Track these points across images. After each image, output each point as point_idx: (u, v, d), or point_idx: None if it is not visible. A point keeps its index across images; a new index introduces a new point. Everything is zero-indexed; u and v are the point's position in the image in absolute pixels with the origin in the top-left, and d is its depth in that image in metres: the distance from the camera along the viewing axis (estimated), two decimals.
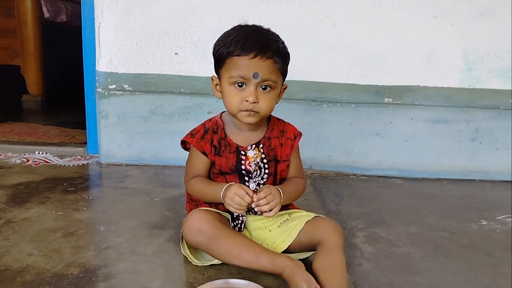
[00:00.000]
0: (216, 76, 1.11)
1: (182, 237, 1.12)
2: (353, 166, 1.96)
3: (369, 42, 1.85)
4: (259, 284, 0.99)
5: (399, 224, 1.46)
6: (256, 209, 1.04)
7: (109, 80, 1.85)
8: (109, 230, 1.31)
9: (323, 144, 1.94)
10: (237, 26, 1.08)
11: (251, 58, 1.01)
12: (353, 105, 1.90)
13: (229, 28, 1.09)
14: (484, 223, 1.51)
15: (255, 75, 1.01)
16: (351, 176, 1.95)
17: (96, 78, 1.87)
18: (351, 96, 1.89)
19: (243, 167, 1.12)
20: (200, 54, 1.83)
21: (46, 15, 3.25)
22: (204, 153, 1.12)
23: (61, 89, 3.55)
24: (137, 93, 1.87)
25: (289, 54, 1.09)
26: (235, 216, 1.15)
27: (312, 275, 1.00)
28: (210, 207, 1.15)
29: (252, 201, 1.02)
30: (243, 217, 1.15)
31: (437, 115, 1.91)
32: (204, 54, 1.82)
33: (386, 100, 1.90)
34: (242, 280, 1.01)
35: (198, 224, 1.04)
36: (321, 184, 1.83)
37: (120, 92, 1.87)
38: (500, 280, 1.13)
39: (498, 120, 1.92)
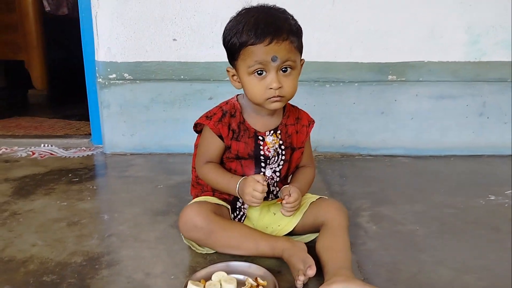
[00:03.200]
0: (231, 67, 1.07)
1: None
2: (358, 146, 1.94)
3: (370, 19, 1.81)
4: (260, 266, 0.99)
5: (405, 202, 1.44)
6: (283, 210, 1.05)
7: (109, 69, 1.85)
8: (113, 218, 1.32)
9: (327, 125, 1.91)
10: (243, 10, 1.02)
11: (267, 45, 0.96)
12: (356, 84, 1.87)
13: (235, 14, 1.03)
14: (492, 198, 1.48)
15: (273, 58, 0.97)
16: (356, 157, 1.93)
17: (96, 68, 1.86)
18: (354, 75, 1.86)
19: (261, 152, 1.10)
20: (199, 39, 1.81)
21: (47, 8, 3.25)
22: (220, 136, 1.08)
23: (67, 82, 3.56)
24: (137, 81, 1.86)
25: (301, 28, 1.04)
26: (237, 207, 1.13)
27: (316, 256, 1.00)
28: (213, 194, 1.14)
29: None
30: (245, 209, 1.13)
31: (442, 90, 1.87)
32: (202, 39, 1.81)
33: (389, 77, 1.86)
34: (243, 262, 1.01)
35: (193, 220, 1.03)
36: (326, 165, 1.81)
37: (120, 81, 1.86)
38: (507, 255, 1.11)
39: (505, 93, 1.87)
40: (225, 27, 1.03)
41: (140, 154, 1.93)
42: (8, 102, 3.41)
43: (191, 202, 1.11)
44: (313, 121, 1.20)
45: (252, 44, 0.97)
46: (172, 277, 1.00)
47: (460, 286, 0.98)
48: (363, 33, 1.82)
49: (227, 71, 1.08)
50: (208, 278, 0.96)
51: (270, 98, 1.01)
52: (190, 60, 1.83)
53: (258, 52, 0.97)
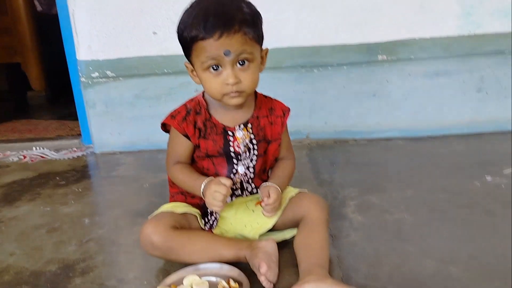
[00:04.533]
0: (188, 62, 1.02)
1: None
2: (351, 131, 1.88)
3: None
4: (234, 266, 0.96)
5: (395, 188, 1.38)
6: (264, 211, 1.02)
7: (91, 68, 1.82)
8: (93, 222, 1.30)
9: (318, 111, 1.85)
10: (195, 1, 0.96)
11: (217, 39, 0.90)
12: (345, 67, 1.80)
13: (188, 5, 0.96)
14: (489, 178, 1.40)
15: (226, 52, 0.91)
16: (350, 142, 1.87)
17: (78, 67, 1.83)
18: (342, 57, 1.79)
19: (231, 149, 1.05)
20: None
21: (39, 8, 3.23)
22: (186, 136, 1.03)
23: (65, 81, 3.55)
24: (120, 78, 1.83)
25: (258, 15, 0.97)
26: (209, 211, 1.09)
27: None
28: (186, 199, 1.10)
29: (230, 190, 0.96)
30: (217, 214, 1.08)
31: (436, 68, 1.79)
32: None
33: (380, 57, 1.79)
34: (215, 264, 0.97)
35: (150, 239, 0.97)
36: (317, 153, 1.76)
37: (103, 80, 1.83)
38: (499, 241, 1.05)
39: (503, 66, 1.77)
40: (179, 20, 0.98)
41: (130, 151, 1.91)
42: (7, 105, 3.42)
43: (153, 214, 1.06)
44: (288, 109, 1.13)
45: (202, 39, 0.91)
46: (145, 282, 0.98)
47: (444, 278, 0.92)
48: (349, 13, 1.74)
49: (186, 66, 1.02)
50: (179, 282, 0.93)
51: (228, 93, 0.96)
52: (173, 53, 1.79)
53: (209, 48, 0.91)
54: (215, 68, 0.94)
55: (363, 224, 1.17)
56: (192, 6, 0.95)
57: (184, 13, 0.96)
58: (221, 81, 0.94)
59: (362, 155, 1.71)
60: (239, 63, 0.94)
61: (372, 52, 1.77)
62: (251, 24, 0.93)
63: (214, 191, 0.94)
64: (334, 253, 1.03)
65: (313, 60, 1.79)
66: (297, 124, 1.82)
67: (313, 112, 1.84)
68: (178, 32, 0.97)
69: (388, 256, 1.01)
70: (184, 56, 1.01)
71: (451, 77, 1.80)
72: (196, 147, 1.05)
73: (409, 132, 1.86)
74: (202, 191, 0.98)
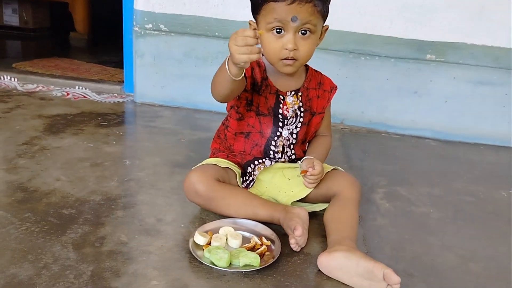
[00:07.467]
0: (253, 21, 1.07)
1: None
2: (386, 123, 1.90)
3: None
4: (267, 226, 1.01)
5: (423, 184, 1.42)
6: (305, 181, 1.07)
7: (146, 19, 1.86)
8: (134, 164, 1.36)
9: (357, 99, 1.88)
10: None
11: (289, 4, 0.96)
12: (392, 60, 1.82)
13: None
14: None
15: (293, 18, 0.96)
16: (383, 134, 1.90)
17: (134, 16, 1.88)
18: (391, 50, 1.80)
19: (280, 111, 1.11)
20: None
21: None
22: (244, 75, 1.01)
23: (108, 28, 3.60)
24: (172, 34, 1.87)
25: None
26: (247, 172, 1.14)
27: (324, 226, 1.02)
28: (227, 157, 1.15)
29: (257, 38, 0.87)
30: (255, 175, 1.14)
31: (482, 76, 1.80)
32: None
33: (428, 56, 1.80)
34: (251, 221, 1.03)
35: (194, 186, 1.04)
36: (350, 139, 1.79)
37: (156, 32, 1.87)
38: None
39: None
40: None
41: (168, 106, 1.97)
42: (50, 42, 3.50)
43: (198, 164, 1.12)
44: (336, 87, 1.19)
45: (274, 1, 0.96)
46: (182, 225, 1.04)
47: (463, 272, 0.97)
48: (406, 7, 1.75)
49: (249, 24, 1.07)
50: (215, 231, 0.99)
51: (283, 59, 1.01)
52: (227, 18, 1.82)
53: (279, 10, 0.96)
54: (279, 31, 0.99)
55: (389, 211, 1.22)
56: None
57: None
58: (280, 44, 0.99)
59: (394, 148, 1.75)
60: (301, 32, 0.99)
61: (422, 49, 1.78)
62: None
63: (235, 35, 0.88)
64: (360, 232, 1.08)
65: (362, 48, 1.81)
66: (333, 108, 1.84)
67: (352, 99, 1.87)
68: None
69: (411, 244, 1.06)
70: (247, 16, 1.05)
71: (495, 88, 1.81)
72: (250, 101, 1.10)
73: (442, 134, 1.88)
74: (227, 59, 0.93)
